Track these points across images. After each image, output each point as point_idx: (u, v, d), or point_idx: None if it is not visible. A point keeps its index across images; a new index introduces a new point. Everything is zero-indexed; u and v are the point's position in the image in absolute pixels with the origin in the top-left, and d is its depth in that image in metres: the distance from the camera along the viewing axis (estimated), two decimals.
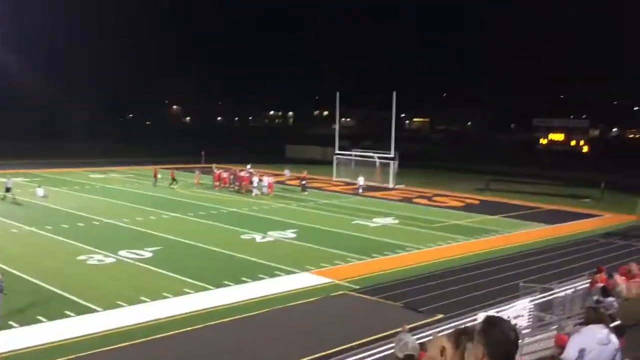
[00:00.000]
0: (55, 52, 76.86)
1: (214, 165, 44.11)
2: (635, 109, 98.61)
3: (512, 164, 62.96)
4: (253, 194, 37.38)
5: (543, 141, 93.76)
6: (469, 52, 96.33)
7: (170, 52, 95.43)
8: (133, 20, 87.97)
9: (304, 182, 40.64)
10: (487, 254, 23.49)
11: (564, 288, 15.67)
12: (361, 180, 40.86)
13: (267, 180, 38.46)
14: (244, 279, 18.78)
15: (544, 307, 14.56)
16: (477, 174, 50.85)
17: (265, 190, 37.65)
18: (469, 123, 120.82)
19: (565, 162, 66.61)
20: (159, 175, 40.95)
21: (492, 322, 3.21)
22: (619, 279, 11.28)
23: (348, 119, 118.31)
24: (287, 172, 47.65)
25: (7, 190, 32.38)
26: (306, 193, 38.94)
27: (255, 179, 38.57)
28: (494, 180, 46.22)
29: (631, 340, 6.37)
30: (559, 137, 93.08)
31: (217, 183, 40.35)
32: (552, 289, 15.92)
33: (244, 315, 15.58)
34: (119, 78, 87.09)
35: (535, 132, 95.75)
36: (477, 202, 38.60)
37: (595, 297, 8.90)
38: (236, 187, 39.57)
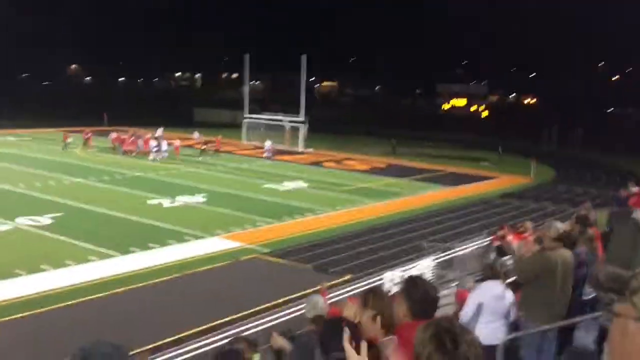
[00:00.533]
0: None
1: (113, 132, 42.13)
2: (530, 76, 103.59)
3: (416, 128, 64.82)
4: (150, 158, 36.26)
5: (445, 106, 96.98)
6: (376, 17, 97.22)
7: (66, 6, 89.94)
8: None
9: (204, 147, 39.87)
10: (393, 216, 24.23)
11: (464, 247, 16.48)
12: (268, 144, 40.65)
13: (165, 144, 37.41)
14: (151, 245, 18.41)
15: (445, 265, 15.28)
16: (384, 138, 51.99)
17: (164, 155, 36.56)
18: (377, 88, 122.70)
19: (465, 127, 69.33)
20: (69, 139, 39.00)
21: (413, 282, 3.34)
22: (510, 237, 11.95)
23: (257, 82, 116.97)
24: (196, 135, 46.51)
25: None
26: (200, 159, 37.93)
27: (153, 143, 37.29)
28: (400, 144, 47.54)
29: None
30: (460, 102, 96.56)
31: (114, 145, 38.96)
32: (452, 248, 16.72)
33: (152, 282, 15.32)
34: (6, 35, 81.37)
35: (438, 97, 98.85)
36: (383, 165, 39.57)
37: (492, 255, 9.42)
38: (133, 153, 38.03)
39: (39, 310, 13.13)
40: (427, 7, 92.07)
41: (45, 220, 20.64)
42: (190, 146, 42.50)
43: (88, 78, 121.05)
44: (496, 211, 26.04)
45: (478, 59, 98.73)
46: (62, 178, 28.65)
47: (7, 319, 12.64)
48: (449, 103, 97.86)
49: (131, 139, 38.95)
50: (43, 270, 15.68)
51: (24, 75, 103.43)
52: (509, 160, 43.53)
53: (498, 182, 35.29)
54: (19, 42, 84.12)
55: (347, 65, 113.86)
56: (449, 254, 15.94)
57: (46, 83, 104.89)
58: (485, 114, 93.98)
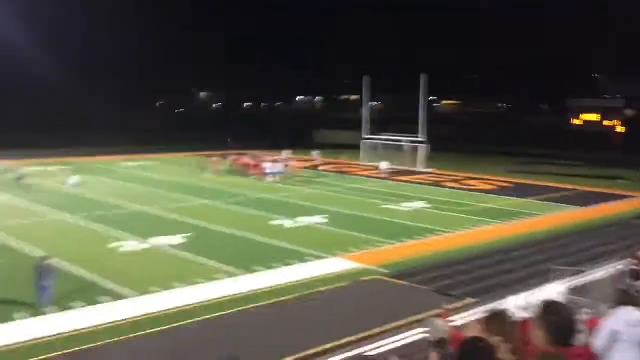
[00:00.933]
0: (79, 46, 77.68)
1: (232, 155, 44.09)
2: None
3: (544, 146, 61.94)
4: (268, 180, 37.32)
5: (577, 122, 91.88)
6: (501, 33, 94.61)
7: (198, 38, 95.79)
8: (157, 11, 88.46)
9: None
10: (518, 238, 23.23)
11: (595, 271, 15.44)
12: (384, 165, 40.47)
13: (280, 166, 38.56)
14: (274, 264, 18.92)
15: (577, 291, 14.36)
16: (508, 157, 50.22)
17: (277, 176, 37.52)
18: (500, 105, 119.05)
19: (599, 143, 65.23)
20: (220, 165, 41.55)
21: (552, 307, 3.16)
22: None
23: (377, 103, 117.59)
24: (314, 154, 47.70)
25: (20, 179, 33.05)
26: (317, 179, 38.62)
27: (268, 165, 38.55)
28: (526, 162, 45.60)
29: None
30: (593, 117, 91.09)
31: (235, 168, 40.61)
32: (584, 272, 15.71)
33: (274, 300, 15.71)
34: (145, 67, 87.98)
35: (568, 113, 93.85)
36: (508, 184, 38.14)
37: (627, 280, 8.75)
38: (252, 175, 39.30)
39: (170, 326, 13.87)
40: (548, 7, 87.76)
41: (178, 239, 21.87)
42: (311, 167, 43.39)
43: (216, 104, 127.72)
44: (632, 232, 24.18)
45: (612, 69, 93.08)
46: (192, 200, 30.29)
47: (141, 333, 13.47)
48: (579, 118, 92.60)
49: (253, 162, 40.55)
50: (175, 287, 16.59)
51: (158, 103, 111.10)
52: None
53: (636, 201, 32.81)
54: (154, 73, 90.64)
55: (468, 83, 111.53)
56: (579, 279, 14.99)
57: (179, 110, 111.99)
58: (620, 129, 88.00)
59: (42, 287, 14.70)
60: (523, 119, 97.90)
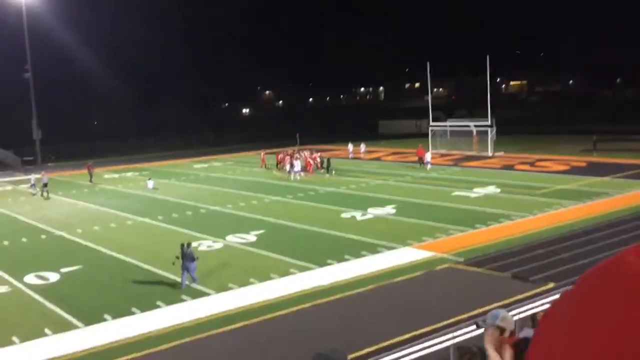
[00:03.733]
0: (139, 52, 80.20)
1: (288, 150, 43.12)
2: None
3: (620, 121, 59.33)
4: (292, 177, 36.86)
5: None
6: (563, 4, 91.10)
7: (255, 37, 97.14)
8: (217, 16, 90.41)
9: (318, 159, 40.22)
10: (597, 218, 22.42)
11: None
12: (428, 156, 39.02)
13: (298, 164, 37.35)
14: (347, 257, 19.04)
15: None
16: (582, 135, 48.42)
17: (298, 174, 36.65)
18: (570, 82, 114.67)
19: None
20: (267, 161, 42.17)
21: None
22: None
23: (440, 89, 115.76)
24: (362, 147, 47.59)
25: (45, 185, 34.34)
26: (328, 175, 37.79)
27: (296, 162, 37.86)
28: (601, 140, 43.80)
29: None
30: None
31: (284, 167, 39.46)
32: None
33: (350, 293, 15.83)
34: (209, 71, 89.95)
35: None
36: (583, 164, 36.82)
37: None
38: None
39: (252, 321, 14.23)
40: None
41: (251, 237, 22.35)
42: (377, 158, 43.25)
43: (280, 102, 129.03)
44: None
45: None
46: (263, 197, 30.83)
47: (224, 329, 13.88)
48: None
49: (282, 158, 40.30)
50: (252, 283, 16.99)
51: (225, 105, 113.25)
52: None
53: None
54: (217, 76, 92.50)
55: (535, 62, 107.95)
56: None
57: (245, 110, 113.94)
58: None
59: (188, 268, 16.75)
60: (595, 93, 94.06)
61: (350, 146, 47.35)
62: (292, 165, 37.16)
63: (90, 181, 39.15)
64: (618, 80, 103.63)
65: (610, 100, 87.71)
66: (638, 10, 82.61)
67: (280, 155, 40.63)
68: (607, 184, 29.62)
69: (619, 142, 45.37)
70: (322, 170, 38.74)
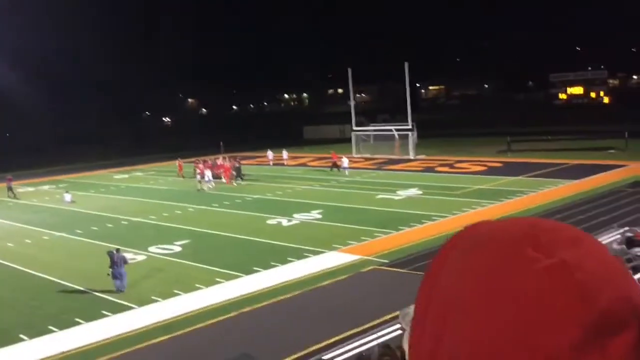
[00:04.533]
0: (58, 63, 77.21)
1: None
2: None
3: (532, 123, 62.19)
4: (234, 183, 36.80)
5: (562, 96, 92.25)
6: (475, 15, 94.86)
7: (177, 45, 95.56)
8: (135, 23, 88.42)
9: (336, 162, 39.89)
10: (513, 216, 23.30)
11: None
12: (345, 162, 38.73)
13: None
14: (273, 263, 18.98)
15: None
16: (497, 137, 50.38)
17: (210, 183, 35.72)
18: (486, 86, 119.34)
19: (586, 115, 65.58)
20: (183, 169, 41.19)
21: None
22: None
23: (363, 95, 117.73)
24: (284, 154, 46.89)
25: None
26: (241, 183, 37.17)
27: (207, 172, 37.08)
28: (515, 141, 45.80)
29: None
30: (577, 90, 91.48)
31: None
32: None
33: (276, 299, 15.78)
34: (127, 79, 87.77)
35: (552, 88, 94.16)
36: (499, 164, 38.32)
37: (621, 247, 8.86)
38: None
39: (176, 334, 13.92)
40: None
41: (175, 247, 21.90)
42: (304, 164, 43.40)
43: (204, 110, 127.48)
44: (627, 201, 24.37)
45: (593, 42, 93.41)
46: (187, 207, 30.29)
47: (148, 343, 13.51)
48: (565, 93, 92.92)
49: (201, 167, 37.80)
50: (177, 294, 16.63)
51: (145, 113, 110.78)
52: (638, 145, 40.63)
53: (627, 170, 33.03)
54: (139, 84, 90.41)
55: (451, 67, 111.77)
56: None
57: (167, 119, 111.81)
58: (606, 99, 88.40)
59: (120, 274, 16.83)
60: (509, 97, 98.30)
61: (270, 153, 47.06)
62: (202, 176, 35.73)
63: (9, 196, 37.14)
64: (530, 83, 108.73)
65: (523, 103, 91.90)
66: (545, 16, 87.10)
67: (200, 165, 37.91)
68: (521, 183, 30.94)
69: (531, 143, 47.53)
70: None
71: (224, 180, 37.38)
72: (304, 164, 45.37)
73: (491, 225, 0.77)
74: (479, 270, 0.70)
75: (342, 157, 39.33)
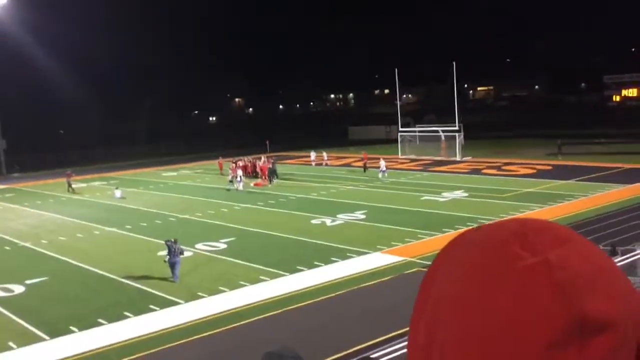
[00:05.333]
0: (105, 62, 79.13)
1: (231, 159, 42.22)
2: None
3: (584, 125, 60.59)
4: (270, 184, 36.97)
5: (616, 98, 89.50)
6: (528, 13, 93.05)
7: (224, 45, 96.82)
8: (182, 23, 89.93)
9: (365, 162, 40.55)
10: (563, 221, 22.80)
11: None
12: (383, 165, 37.30)
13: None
14: (317, 263, 19.05)
15: (628, 270, 14.08)
16: (547, 139, 49.30)
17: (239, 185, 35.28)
18: (536, 87, 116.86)
19: None
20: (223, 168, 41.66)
21: None
22: None
23: (409, 95, 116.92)
24: (324, 155, 46.78)
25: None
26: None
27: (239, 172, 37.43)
28: (566, 143, 44.69)
29: None
30: (632, 92, 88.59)
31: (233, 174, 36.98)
32: (635, 250, 15.38)
33: (319, 299, 15.83)
34: (175, 80, 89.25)
35: (606, 89, 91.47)
36: (549, 167, 37.49)
37: None
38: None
39: (221, 329, 14.13)
40: None
41: (221, 245, 22.21)
42: (346, 165, 43.36)
43: (250, 109, 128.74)
44: None
45: None
46: (233, 205, 30.67)
47: (194, 338, 13.76)
48: (619, 95, 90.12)
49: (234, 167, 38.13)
50: (222, 291, 16.87)
51: (194, 112, 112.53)
52: None
53: None
54: (187, 84, 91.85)
55: (502, 68, 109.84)
56: (630, 257, 14.68)
57: (212, 118, 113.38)
58: None
59: (175, 263, 17.74)
60: (560, 99, 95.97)
61: (313, 154, 47.18)
62: (235, 176, 35.73)
63: (69, 190, 38.43)
64: (582, 85, 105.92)
65: (575, 105, 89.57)
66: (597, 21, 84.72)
67: (233, 165, 38.16)
68: (572, 187, 30.20)
69: (582, 146, 46.33)
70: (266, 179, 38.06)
71: (259, 180, 37.89)
72: (348, 164, 45.34)
73: (485, 226, 0.79)
74: (469, 267, 0.72)
75: (380, 160, 38.89)
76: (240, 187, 35.16)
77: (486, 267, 0.71)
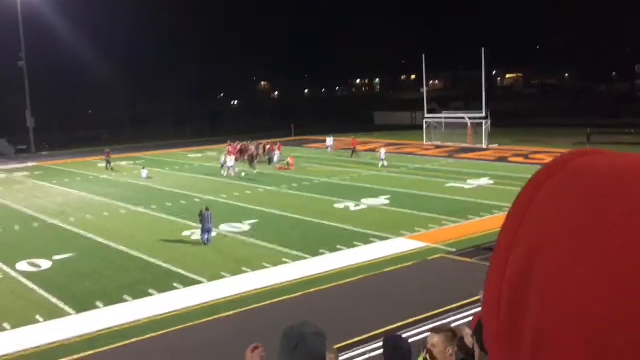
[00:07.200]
0: (134, 43, 79.51)
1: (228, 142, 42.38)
2: None
3: (613, 115, 59.47)
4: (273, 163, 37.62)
5: None
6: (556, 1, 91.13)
7: (249, 29, 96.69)
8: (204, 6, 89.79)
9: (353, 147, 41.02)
10: None
11: None
12: (383, 153, 36.83)
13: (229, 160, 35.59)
14: (339, 247, 19.08)
15: None
16: (575, 128, 48.50)
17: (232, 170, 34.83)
18: (566, 75, 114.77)
19: None
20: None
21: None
22: None
23: (436, 82, 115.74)
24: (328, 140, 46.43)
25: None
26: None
27: (277, 152, 38.60)
28: (595, 132, 43.90)
29: None
30: None
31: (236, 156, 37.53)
32: None
33: (341, 282, 15.87)
34: (203, 61, 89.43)
35: (637, 79, 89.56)
36: None
37: None
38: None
39: (243, 309, 14.26)
40: None
41: (244, 226, 22.35)
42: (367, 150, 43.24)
43: (276, 93, 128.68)
44: None
45: None
46: (256, 187, 30.81)
47: (216, 317, 13.91)
48: None
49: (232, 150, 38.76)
50: (244, 272, 17.01)
51: (220, 95, 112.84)
52: None
53: None
54: (213, 67, 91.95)
55: (531, 55, 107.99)
56: None
57: (235, 102, 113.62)
58: None
59: (208, 229, 19.55)
60: (591, 88, 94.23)
61: (329, 140, 46.40)
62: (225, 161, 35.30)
63: (107, 168, 39.09)
64: (613, 74, 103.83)
65: (605, 94, 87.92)
66: (631, 9, 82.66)
67: (230, 148, 38.42)
68: None
69: (612, 136, 45.50)
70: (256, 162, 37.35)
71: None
72: (373, 150, 45.16)
73: (605, 157, 0.60)
74: (611, 205, 0.51)
75: (381, 148, 38.71)
76: (231, 172, 34.57)
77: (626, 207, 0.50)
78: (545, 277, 0.52)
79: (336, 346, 11.28)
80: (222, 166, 35.62)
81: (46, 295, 15.67)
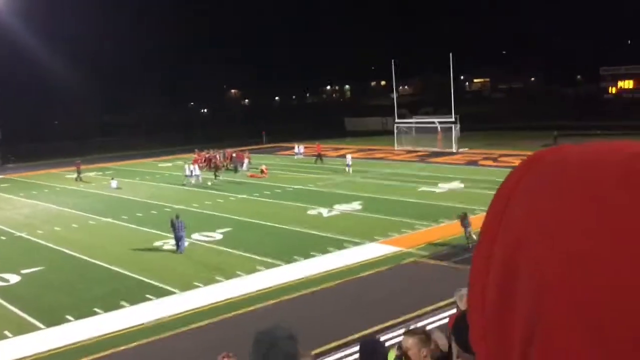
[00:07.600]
0: (102, 53, 78.63)
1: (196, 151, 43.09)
2: None
3: (579, 117, 60.63)
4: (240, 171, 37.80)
5: (612, 90, 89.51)
6: (522, 6, 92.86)
7: (218, 37, 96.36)
8: (173, 12, 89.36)
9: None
10: None
11: None
12: (349, 159, 37.20)
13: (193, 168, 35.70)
14: (313, 253, 19.05)
15: None
16: (543, 131, 49.30)
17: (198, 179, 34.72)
18: (532, 79, 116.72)
19: (636, 110, 63.58)
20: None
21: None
22: None
23: (406, 87, 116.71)
24: (300, 149, 46.64)
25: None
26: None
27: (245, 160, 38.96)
28: (562, 135, 44.72)
29: None
30: (628, 84, 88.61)
31: (202, 165, 38.20)
32: None
33: (316, 288, 15.84)
34: (172, 69, 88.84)
35: (602, 82, 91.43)
36: None
37: None
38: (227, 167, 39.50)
39: (217, 319, 14.12)
40: None
41: (217, 235, 22.18)
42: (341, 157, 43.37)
43: (246, 100, 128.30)
44: None
45: None
46: (228, 195, 30.62)
47: (190, 327, 13.74)
48: (615, 87, 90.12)
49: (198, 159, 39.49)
50: (218, 281, 16.86)
51: (190, 104, 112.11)
52: None
53: None
54: (182, 75, 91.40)
55: (498, 59, 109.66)
56: None
57: (205, 110, 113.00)
58: None
59: (180, 237, 19.66)
60: (557, 91, 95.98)
61: (298, 148, 46.38)
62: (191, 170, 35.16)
63: (76, 179, 38.41)
64: (578, 77, 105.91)
65: (571, 97, 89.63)
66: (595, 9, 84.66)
67: (195, 157, 39.23)
68: None
69: (578, 137, 46.33)
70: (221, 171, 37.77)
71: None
72: (344, 156, 45.21)
73: (578, 148, 0.58)
74: (579, 190, 0.51)
75: (347, 154, 39.28)
76: (193, 181, 34.34)
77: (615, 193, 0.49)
78: (534, 268, 0.50)
79: (313, 352, 11.24)
80: (186, 176, 35.20)
81: (15, 310, 15.32)
